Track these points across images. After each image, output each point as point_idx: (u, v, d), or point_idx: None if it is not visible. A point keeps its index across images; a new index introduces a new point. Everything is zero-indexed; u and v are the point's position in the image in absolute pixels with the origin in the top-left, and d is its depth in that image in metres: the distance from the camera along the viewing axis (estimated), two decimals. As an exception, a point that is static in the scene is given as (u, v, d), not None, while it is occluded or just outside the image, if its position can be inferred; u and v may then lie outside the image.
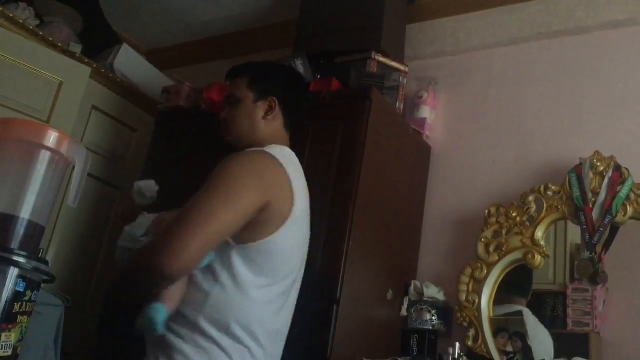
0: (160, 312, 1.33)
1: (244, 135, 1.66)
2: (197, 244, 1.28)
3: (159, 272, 1.25)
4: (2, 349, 1.00)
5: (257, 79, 1.70)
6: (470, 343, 2.12)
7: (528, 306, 2.13)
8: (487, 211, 2.24)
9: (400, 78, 2.44)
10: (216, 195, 1.36)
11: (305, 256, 1.61)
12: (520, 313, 2.09)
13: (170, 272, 1.25)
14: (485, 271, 2.18)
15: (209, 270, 1.40)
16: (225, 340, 1.37)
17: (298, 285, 1.59)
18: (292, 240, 1.50)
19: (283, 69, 1.89)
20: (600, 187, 2.06)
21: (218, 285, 1.40)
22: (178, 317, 1.39)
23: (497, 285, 2.18)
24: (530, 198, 2.18)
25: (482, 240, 2.22)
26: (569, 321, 2.03)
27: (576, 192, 2.09)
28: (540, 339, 2.06)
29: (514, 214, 2.19)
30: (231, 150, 1.65)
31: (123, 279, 1.44)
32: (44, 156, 1.13)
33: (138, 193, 1.73)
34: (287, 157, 1.57)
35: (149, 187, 1.74)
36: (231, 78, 1.74)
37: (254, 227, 1.41)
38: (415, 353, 2.11)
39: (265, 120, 1.67)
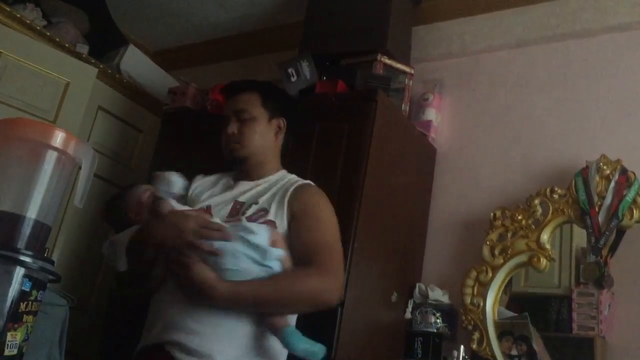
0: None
1: (257, 152, 1.72)
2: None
3: (329, 305, 1.50)
4: (8, 348, 1.00)
5: (269, 97, 1.76)
6: (474, 346, 2.11)
7: (530, 309, 2.12)
8: (492, 214, 2.23)
9: (406, 80, 2.44)
10: (336, 230, 1.62)
11: None
12: (525, 317, 2.08)
13: (335, 304, 1.52)
14: (490, 274, 2.17)
15: None
16: None
17: None
18: None
19: (286, 92, 2.00)
20: (607, 191, 2.05)
21: None
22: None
23: (502, 289, 2.18)
24: (536, 201, 2.18)
25: (487, 243, 2.21)
26: (574, 325, 2.03)
27: (582, 196, 2.08)
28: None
29: (519, 217, 2.18)
30: (236, 164, 1.72)
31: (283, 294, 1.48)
32: (51, 156, 1.13)
33: (167, 183, 1.71)
34: None
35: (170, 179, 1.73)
36: (235, 93, 1.76)
37: None
38: (419, 356, 2.10)
39: (275, 139, 1.76)
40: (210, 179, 1.80)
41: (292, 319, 1.55)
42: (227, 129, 1.70)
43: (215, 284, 1.38)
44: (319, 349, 1.42)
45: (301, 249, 1.52)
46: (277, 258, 1.46)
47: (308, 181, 1.72)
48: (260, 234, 1.46)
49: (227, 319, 1.43)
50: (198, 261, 1.41)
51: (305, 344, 1.41)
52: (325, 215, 1.63)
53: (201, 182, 1.78)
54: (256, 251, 1.43)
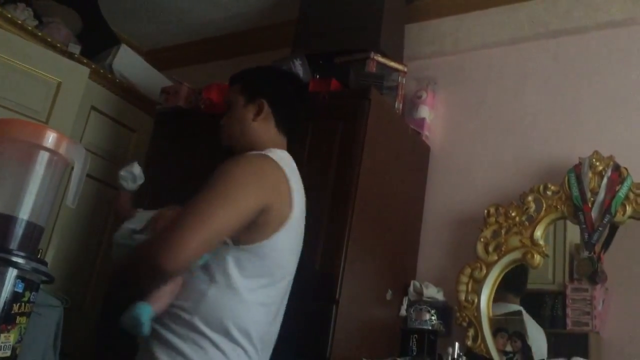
0: (146, 311, 1.34)
1: (236, 138, 1.67)
2: (195, 241, 1.29)
3: (158, 268, 1.27)
4: (1, 349, 0.99)
5: (248, 83, 1.72)
6: (469, 343, 2.12)
7: (524, 305, 2.13)
8: (486, 211, 2.24)
9: (399, 78, 2.44)
10: (215, 195, 1.37)
11: (297, 259, 1.61)
12: (519, 313, 2.09)
13: (168, 268, 1.27)
14: (485, 271, 2.18)
15: (206, 270, 1.42)
16: (222, 340, 1.38)
17: (289, 290, 1.58)
18: (288, 243, 1.52)
19: (274, 71, 1.88)
20: (599, 187, 2.06)
21: (214, 286, 1.41)
22: (176, 317, 1.40)
23: (496, 285, 2.18)
24: (530, 198, 2.18)
25: (481, 239, 2.22)
26: (568, 321, 2.03)
27: (575, 192, 2.09)
28: (535, 337, 2.06)
29: (513, 214, 2.19)
30: (231, 155, 1.66)
31: (121, 274, 1.44)
32: (43, 157, 1.13)
33: (124, 179, 1.74)
34: (284, 160, 1.57)
35: (131, 169, 1.76)
36: (230, 85, 1.76)
37: (252, 229, 1.42)
38: (414, 353, 2.10)
39: (256, 122, 1.66)
40: None
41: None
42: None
43: None
44: (136, 310, 1.34)
45: None
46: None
47: (254, 152, 1.56)
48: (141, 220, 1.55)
49: None
50: None
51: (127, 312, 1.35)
52: (217, 181, 1.40)
53: None
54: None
